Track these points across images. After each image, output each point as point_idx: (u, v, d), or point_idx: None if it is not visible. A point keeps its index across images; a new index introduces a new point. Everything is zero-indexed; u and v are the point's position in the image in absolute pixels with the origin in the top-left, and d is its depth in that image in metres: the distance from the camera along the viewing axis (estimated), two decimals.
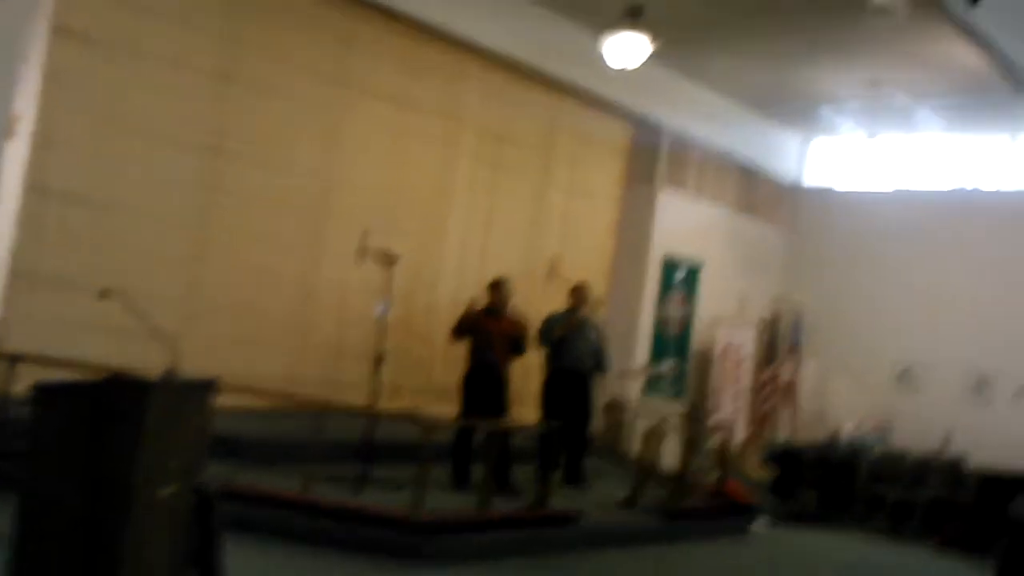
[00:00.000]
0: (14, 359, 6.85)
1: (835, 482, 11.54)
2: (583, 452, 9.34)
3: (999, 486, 10.34)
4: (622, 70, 9.71)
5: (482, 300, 8.51)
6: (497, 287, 8.46)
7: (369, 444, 7.61)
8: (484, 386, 8.32)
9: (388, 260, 7.86)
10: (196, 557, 4.47)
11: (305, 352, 9.45)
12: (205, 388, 4.52)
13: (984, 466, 11.03)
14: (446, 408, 9.43)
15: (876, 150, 13.59)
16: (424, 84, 10.23)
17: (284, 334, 9.27)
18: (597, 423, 10.23)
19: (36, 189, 7.47)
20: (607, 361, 9.41)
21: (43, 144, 7.49)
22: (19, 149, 7.61)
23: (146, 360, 7.05)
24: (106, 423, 3.81)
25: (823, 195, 14.16)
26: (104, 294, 5.32)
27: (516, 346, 8.48)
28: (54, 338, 7.46)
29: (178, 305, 8.19)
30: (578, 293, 9.23)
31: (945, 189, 13.26)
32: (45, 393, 3.95)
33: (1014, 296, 12.33)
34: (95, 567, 3.72)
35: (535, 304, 10.94)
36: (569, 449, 9.04)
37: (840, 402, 13.39)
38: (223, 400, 6.85)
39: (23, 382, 6.51)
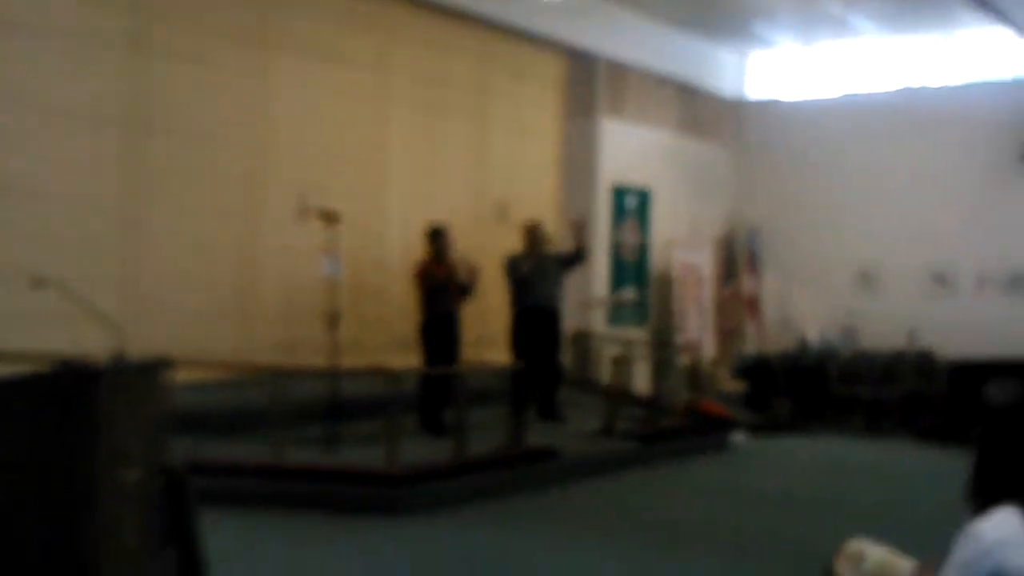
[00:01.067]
0: None
1: (807, 388, 11.78)
2: (556, 387, 9.46)
3: (969, 374, 10.61)
4: (552, 2, 9.64)
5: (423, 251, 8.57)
6: (436, 236, 8.56)
7: (335, 402, 7.62)
8: (443, 333, 8.37)
9: (330, 218, 7.81)
10: (173, 536, 4.45)
11: (254, 320, 9.38)
12: (157, 368, 4.48)
13: (952, 357, 11.29)
14: (408, 360, 9.46)
15: (814, 59, 13.68)
16: (350, 35, 10.06)
17: (231, 304, 9.18)
18: (565, 356, 10.32)
19: None
20: (581, 253, 9.57)
21: None
22: None
23: (90, 346, 6.98)
24: (59, 415, 3.76)
25: (766, 108, 14.21)
26: (37, 283, 5.21)
27: (464, 290, 8.63)
28: None
29: (117, 287, 8.06)
30: (532, 233, 9.31)
31: (886, 91, 13.37)
32: None
33: (964, 188, 12.53)
34: (61, 565, 3.70)
35: (487, 248, 10.96)
36: (541, 385, 9.16)
37: (804, 310, 13.62)
38: (178, 376, 6.85)
39: None
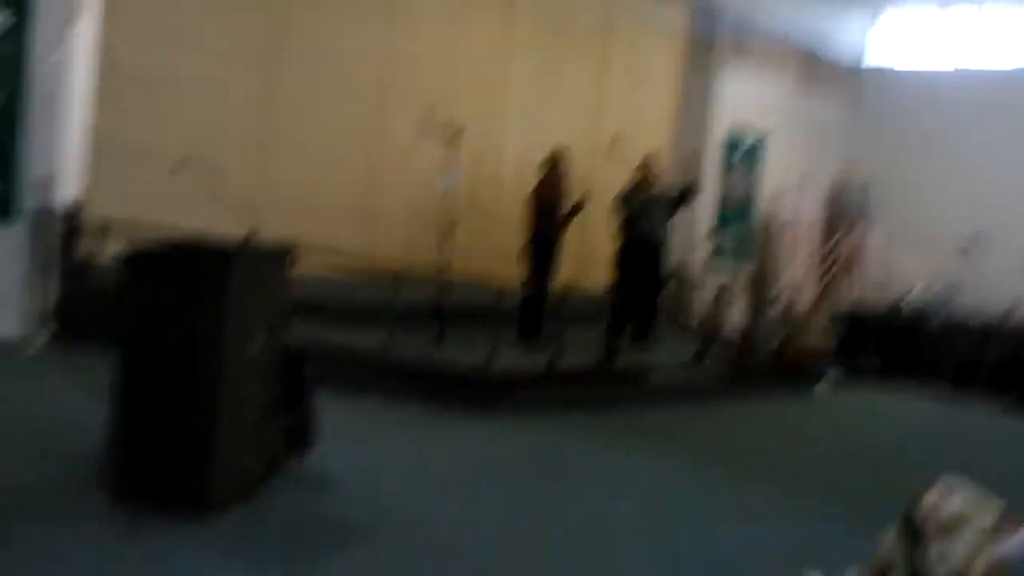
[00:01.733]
0: (103, 227, 7.07)
1: (899, 346, 11.47)
2: (652, 317, 9.42)
3: None
4: None
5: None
6: (554, 161, 8.69)
7: (443, 306, 7.76)
8: (547, 251, 8.54)
9: (453, 133, 7.85)
10: (289, 405, 4.65)
11: (376, 224, 9.57)
12: (285, 253, 4.63)
13: None
14: (514, 272, 9.55)
15: (944, 24, 13.03)
16: None
17: (356, 206, 9.39)
18: (665, 291, 10.26)
19: (107, 67, 7.56)
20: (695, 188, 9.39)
21: (111, 23, 7.54)
22: (88, 29, 7.68)
23: (223, 229, 7.25)
24: (194, 285, 3.95)
25: (884, 74, 13.69)
26: (180, 165, 5.39)
27: (570, 214, 8.73)
28: (134, 210, 7.65)
29: (251, 179, 8.30)
30: (647, 165, 9.19)
31: (1005, 68, 12.74)
32: (137, 258, 4.07)
33: None
34: (192, 415, 3.90)
35: (596, 180, 10.89)
36: (639, 314, 9.14)
37: (905, 270, 13.22)
38: (303, 266, 7.06)
39: (110, 249, 6.75)
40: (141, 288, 4.03)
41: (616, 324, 7.92)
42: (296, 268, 6.69)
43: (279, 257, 4.54)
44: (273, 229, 5.89)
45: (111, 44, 7.55)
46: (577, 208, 8.63)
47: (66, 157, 6.83)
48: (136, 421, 4.00)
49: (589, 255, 11.38)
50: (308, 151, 8.94)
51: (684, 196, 9.17)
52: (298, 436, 4.76)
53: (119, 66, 7.62)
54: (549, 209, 8.50)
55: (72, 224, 7.25)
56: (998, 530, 3.09)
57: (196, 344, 3.92)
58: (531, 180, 8.82)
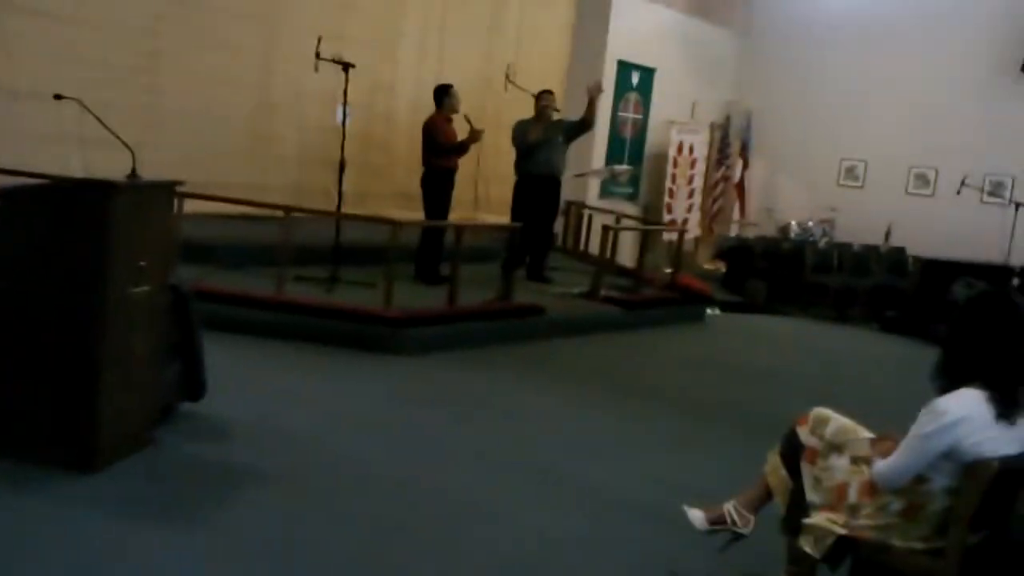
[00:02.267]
0: None
1: (783, 273, 11.78)
2: (547, 251, 9.45)
3: (939, 272, 10.61)
4: None
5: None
6: (443, 93, 8.49)
7: (337, 246, 7.60)
8: (442, 188, 8.38)
9: (344, 67, 7.61)
10: (177, 350, 4.48)
11: (268, 160, 9.28)
12: (168, 189, 4.41)
13: (925, 256, 11.27)
14: (409, 214, 9.40)
15: None
16: None
17: (245, 142, 9.07)
18: (558, 224, 10.27)
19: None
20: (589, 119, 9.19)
21: None
22: None
23: (106, 169, 6.90)
24: (71, 224, 3.72)
25: (774, 3, 13.78)
26: (58, 98, 5.06)
27: (462, 148, 8.58)
28: (8, 149, 7.22)
29: (137, 115, 7.92)
30: (543, 99, 9.10)
31: None
32: (9, 197, 3.84)
33: (960, 94, 12.27)
34: (73, 364, 3.72)
35: (493, 111, 10.76)
36: (534, 248, 9.14)
37: (788, 199, 13.54)
38: (189, 207, 6.81)
39: None
40: (18, 227, 3.78)
41: (512, 259, 7.89)
42: (184, 207, 6.48)
43: (164, 193, 4.32)
44: (159, 168, 5.64)
45: None
46: (468, 141, 8.50)
47: None
48: (16, 370, 3.79)
49: (485, 189, 11.30)
50: (195, 87, 8.56)
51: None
52: (188, 382, 4.60)
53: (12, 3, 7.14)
54: (442, 144, 8.36)
55: None
56: (872, 450, 3.19)
57: (76, 285, 3.70)
58: (426, 116, 8.65)
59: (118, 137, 4.53)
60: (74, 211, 3.72)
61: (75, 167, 7.60)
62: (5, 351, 3.78)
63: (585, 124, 9.02)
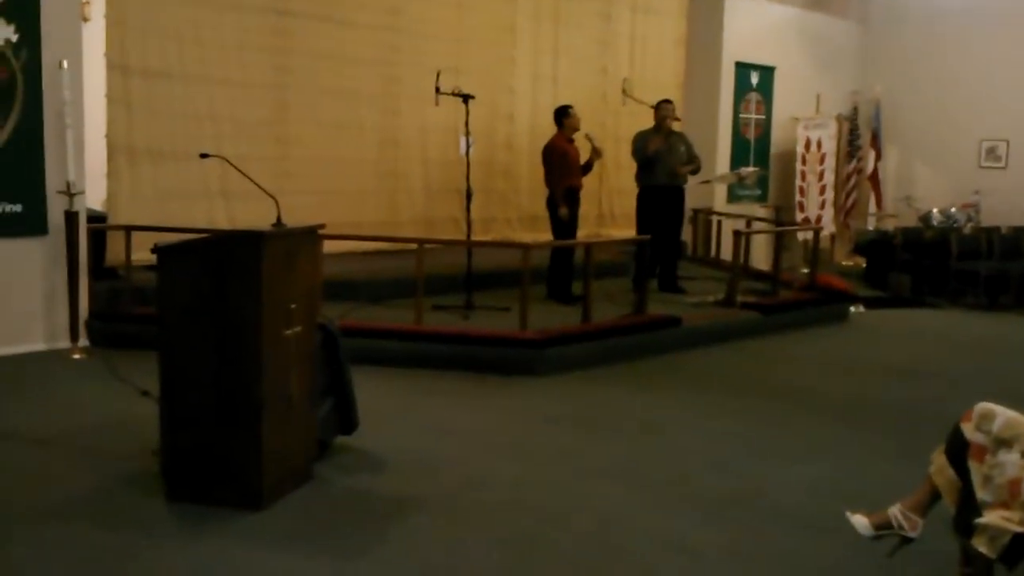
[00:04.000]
0: (129, 228, 7.10)
1: (928, 264, 11.33)
2: (676, 260, 9.38)
3: None
4: None
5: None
6: (563, 114, 8.52)
7: (470, 272, 7.75)
8: (569, 208, 8.37)
9: (463, 98, 7.77)
10: (329, 387, 4.66)
11: (396, 196, 9.55)
12: (312, 233, 4.61)
13: None
14: (536, 235, 9.50)
15: None
16: None
17: (375, 180, 9.36)
18: (686, 232, 10.18)
19: (117, 67, 7.53)
20: (699, 161, 9.32)
21: (116, 22, 7.50)
22: (96, 30, 7.66)
23: (249, 219, 7.26)
24: (227, 274, 3.93)
25: None
26: (204, 156, 5.37)
27: (587, 168, 8.60)
28: (158, 207, 7.68)
29: (269, 165, 8.29)
30: (662, 109, 9.07)
31: None
32: (167, 253, 4.07)
33: None
34: (236, 407, 3.92)
35: (612, 126, 10.78)
36: (663, 259, 9.10)
37: (926, 186, 13.03)
38: (328, 247, 7.07)
39: (138, 251, 6.78)
40: (173, 282, 4.02)
41: (642, 272, 7.86)
42: (323, 248, 6.73)
43: (306, 238, 4.51)
44: (296, 213, 5.89)
45: (118, 44, 7.53)
46: (591, 160, 8.55)
47: (86, 163, 6.83)
48: (182, 419, 4.00)
49: (609, 205, 11.32)
50: (322, 132, 8.89)
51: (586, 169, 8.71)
52: (341, 417, 4.77)
53: (128, 66, 7.60)
54: (565, 165, 8.40)
55: (99, 229, 7.30)
56: None
57: (235, 330, 3.92)
58: (544, 140, 8.72)
59: (261, 188, 4.76)
60: (229, 262, 3.93)
61: (221, 220, 8.02)
62: (175, 398, 4.01)
63: (587, 168, 8.68)
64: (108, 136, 7.54)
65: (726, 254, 9.89)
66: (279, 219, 4.42)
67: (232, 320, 3.92)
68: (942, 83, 12.77)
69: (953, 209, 12.19)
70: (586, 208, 9.13)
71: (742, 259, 9.02)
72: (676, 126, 9.22)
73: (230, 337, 3.93)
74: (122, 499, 4.06)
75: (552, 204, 8.41)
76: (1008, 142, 12.48)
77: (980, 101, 12.50)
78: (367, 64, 9.18)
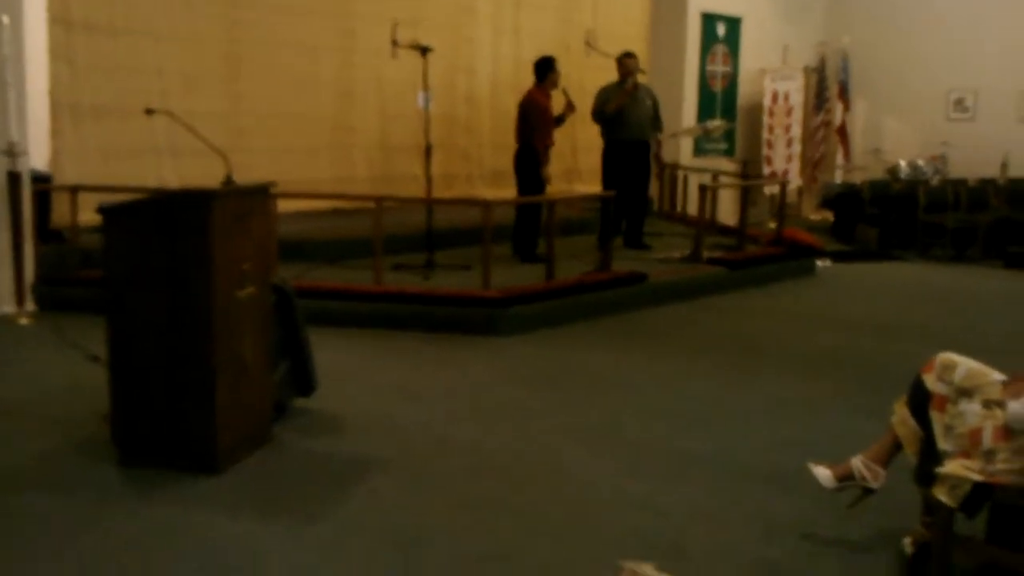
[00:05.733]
0: (74, 189, 6.98)
1: (895, 217, 11.45)
2: (643, 217, 9.39)
3: None
4: None
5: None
6: (548, 67, 8.36)
7: (431, 231, 7.72)
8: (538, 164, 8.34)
9: (421, 50, 7.68)
10: (285, 349, 4.64)
11: (352, 151, 9.46)
12: (263, 191, 4.56)
13: None
14: (500, 192, 9.47)
15: None
16: None
17: (330, 136, 9.26)
18: (653, 187, 10.19)
19: (59, 22, 7.36)
20: (661, 122, 9.33)
21: None
22: None
23: (199, 177, 7.16)
24: (175, 235, 3.88)
25: None
26: (149, 112, 5.28)
27: (559, 122, 8.53)
28: (105, 166, 7.56)
29: (222, 121, 8.19)
30: (626, 63, 9.00)
31: None
32: (112, 214, 4.00)
33: None
34: (188, 371, 3.89)
35: (576, 79, 10.72)
36: (629, 215, 9.10)
37: (894, 139, 13.13)
38: (282, 206, 7.01)
39: (84, 212, 6.68)
40: (120, 244, 3.96)
41: (607, 228, 7.87)
42: (276, 207, 6.67)
43: (257, 196, 4.46)
44: (249, 171, 5.82)
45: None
46: (564, 114, 8.47)
47: (29, 122, 6.69)
48: (133, 382, 3.97)
49: (574, 160, 11.30)
50: (275, 87, 8.78)
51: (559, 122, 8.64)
52: (298, 379, 4.76)
53: (70, 21, 7.43)
54: (546, 122, 8.30)
55: (44, 190, 7.17)
56: (1004, 392, 3.10)
57: (185, 293, 3.87)
58: (508, 93, 8.66)
59: (210, 145, 4.69)
60: (176, 222, 3.88)
61: (170, 178, 7.92)
62: (124, 363, 3.98)
63: (560, 121, 8.60)
64: (51, 94, 7.38)
65: (692, 209, 9.93)
66: (229, 177, 4.37)
67: (182, 282, 3.88)
68: (910, 34, 12.83)
69: (920, 161, 12.30)
70: (554, 165, 9.10)
71: (708, 214, 9.06)
72: (641, 78, 9.17)
73: (180, 299, 3.89)
74: (74, 465, 4.04)
75: (522, 161, 8.30)
76: (976, 92, 12.59)
77: (948, 51, 12.57)
78: (321, 16, 9.05)
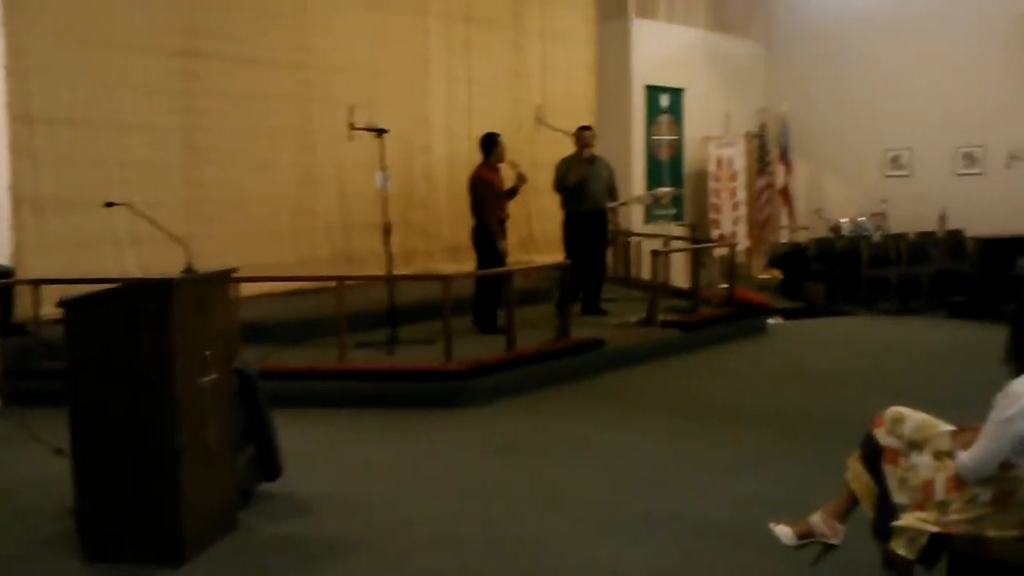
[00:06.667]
0: (37, 283, 6.89)
1: (840, 273, 11.62)
2: (600, 284, 9.45)
3: (1000, 250, 10.37)
4: None
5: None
6: (491, 143, 8.47)
7: (393, 307, 7.69)
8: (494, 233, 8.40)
9: (378, 133, 7.74)
10: (249, 433, 4.56)
11: (313, 233, 9.44)
12: (224, 277, 4.53)
13: (983, 235, 11.05)
14: (459, 266, 9.49)
15: None
16: None
17: (290, 220, 9.24)
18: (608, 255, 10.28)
19: (19, 118, 7.32)
20: (618, 192, 9.49)
21: (15, 72, 7.30)
22: None
23: (161, 265, 7.10)
24: (137, 324, 3.83)
25: (792, 6, 13.78)
26: (109, 205, 5.26)
27: (511, 195, 8.60)
28: (67, 258, 7.47)
29: (184, 209, 8.15)
30: (583, 135, 9.16)
31: None
32: (73, 306, 3.95)
33: (989, 69, 12.07)
34: (152, 460, 3.81)
35: (528, 153, 10.85)
36: (587, 282, 9.16)
37: (836, 198, 13.40)
38: (245, 290, 6.97)
39: (47, 305, 6.58)
40: (82, 335, 3.90)
41: (565, 296, 7.90)
42: (237, 292, 6.63)
43: (218, 282, 4.42)
44: (211, 256, 5.80)
45: (20, 93, 7.33)
46: (516, 187, 8.55)
47: None
48: (97, 473, 3.88)
49: (529, 230, 11.37)
50: (235, 173, 8.75)
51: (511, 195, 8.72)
52: (263, 463, 4.68)
53: (30, 115, 7.40)
54: (494, 195, 8.38)
55: (6, 284, 7.07)
56: (954, 443, 3.13)
57: (147, 382, 3.81)
58: (463, 170, 8.73)
59: (170, 234, 4.68)
60: (137, 312, 3.84)
61: (132, 268, 7.84)
62: (88, 455, 3.88)
63: (512, 193, 8.67)
64: (12, 188, 7.31)
65: (646, 274, 10.01)
66: (190, 265, 4.34)
67: (144, 371, 3.82)
68: (845, 96, 13.18)
69: (862, 218, 12.54)
70: (510, 235, 9.14)
71: (661, 278, 9.14)
72: (593, 151, 9.31)
73: (143, 388, 3.82)
74: (39, 562, 3.91)
75: (479, 235, 8.34)
76: (911, 150, 12.91)
77: (882, 111, 12.92)
78: (278, 102, 9.09)
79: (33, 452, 5.30)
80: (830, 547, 3.42)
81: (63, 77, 7.58)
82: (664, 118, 12.36)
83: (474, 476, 5.07)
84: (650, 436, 5.81)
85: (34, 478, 4.95)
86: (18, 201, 7.34)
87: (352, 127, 7.77)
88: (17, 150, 7.33)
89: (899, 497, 3.17)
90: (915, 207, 12.30)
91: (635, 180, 11.76)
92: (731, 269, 9.92)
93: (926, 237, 11.96)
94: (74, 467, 3.92)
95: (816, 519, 3.43)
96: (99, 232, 7.68)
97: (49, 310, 6.42)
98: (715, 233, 12.42)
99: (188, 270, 4.43)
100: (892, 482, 3.22)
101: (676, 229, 11.99)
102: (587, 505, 4.58)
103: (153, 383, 3.82)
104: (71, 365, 3.93)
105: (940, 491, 3.06)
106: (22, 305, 7.14)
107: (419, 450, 5.59)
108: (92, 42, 7.74)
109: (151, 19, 8.14)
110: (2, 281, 6.97)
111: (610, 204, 9.41)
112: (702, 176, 12.69)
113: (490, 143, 8.45)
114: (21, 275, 7.28)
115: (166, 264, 6.73)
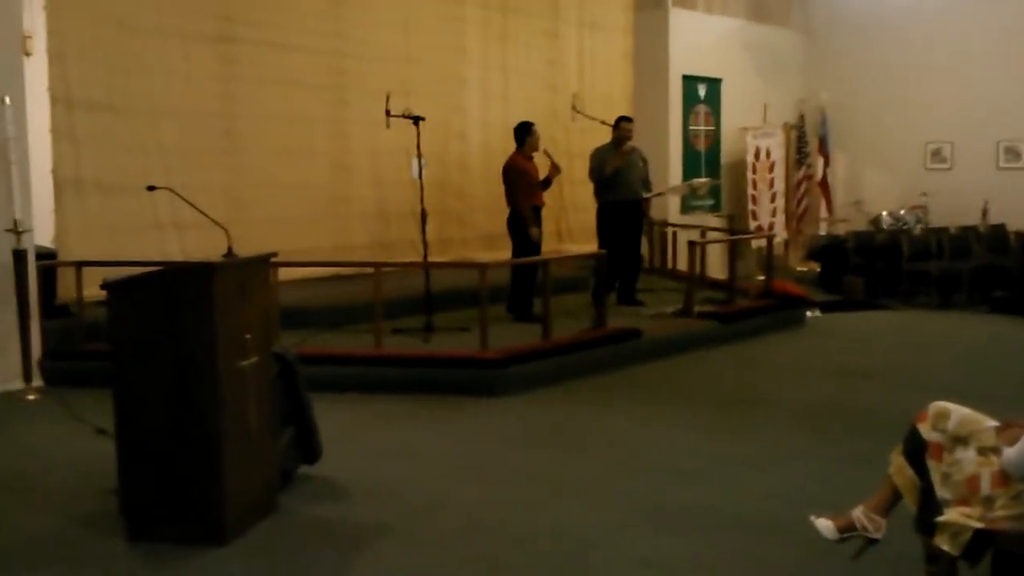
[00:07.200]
0: (79, 265, 6.99)
1: (880, 266, 11.51)
2: (636, 274, 9.42)
3: None
4: None
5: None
6: (526, 132, 8.44)
7: (429, 294, 7.72)
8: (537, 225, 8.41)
9: (413, 120, 7.76)
10: (289, 417, 4.61)
11: (349, 220, 9.49)
12: (264, 262, 4.57)
13: None
14: (494, 254, 9.51)
15: None
16: None
17: (326, 206, 9.30)
18: (643, 244, 10.24)
19: (61, 101, 7.42)
20: (651, 183, 9.45)
21: (58, 57, 7.39)
22: (38, 65, 7.55)
23: (203, 250, 7.18)
24: (179, 308, 3.88)
25: None
26: (151, 189, 5.32)
27: (546, 184, 8.57)
28: (109, 241, 7.56)
29: (222, 194, 8.22)
30: (623, 127, 9.11)
31: None
32: (116, 289, 4.01)
33: None
34: (194, 442, 3.86)
35: (563, 142, 10.84)
36: (623, 273, 9.13)
37: (875, 190, 13.26)
38: (284, 274, 7.03)
39: (89, 287, 6.68)
40: (124, 317, 3.95)
41: (602, 285, 7.89)
42: (277, 276, 6.69)
43: (258, 267, 4.47)
44: (249, 242, 5.84)
45: (61, 78, 7.42)
46: (551, 176, 8.53)
47: (33, 199, 6.72)
48: (140, 454, 3.94)
49: (566, 220, 11.37)
50: (272, 159, 8.83)
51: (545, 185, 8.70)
52: (303, 447, 4.72)
53: (71, 100, 7.49)
54: (528, 183, 8.37)
55: (49, 266, 7.18)
56: (999, 438, 3.09)
57: (189, 364, 3.86)
58: (499, 158, 8.73)
59: (210, 218, 4.72)
60: (181, 295, 3.88)
61: (173, 251, 7.94)
62: (131, 435, 3.94)
63: (546, 183, 8.63)
64: (54, 171, 7.41)
65: (682, 265, 9.96)
66: (230, 249, 4.38)
67: (186, 353, 3.87)
68: (885, 87, 13.02)
69: (902, 211, 12.41)
70: (545, 225, 9.14)
71: (698, 269, 9.10)
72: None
73: (185, 371, 3.87)
74: (82, 541, 3.98)
75: (514, 223, 8.36)
76: (952, 143, 12.74)
77: (923, 103, 12.76)
78: (315, 89, 9.15)
79: (76, 433, 5.40)
80: (872, 541, 3.39)
81: (103, 62, 7.67)
82: (701, 108, 12.28)
83: (507, 464, 5.09)
84: (685, 427, 5.79)
85: (76, 458, 5.03)
86: (60, 184, 7.44)
87: (388, 114, 7.79)
88: (59, 133, 7.42)
89: (943, 492, 3.14)
90: (956, 200, 12.15)
91: (672, 170, 11.70)
92: (769, 261, 9.85)
93: (968, 231, 11.81)
94: (117, 448, 3.98)
95: (858, 512, 3.40)
96: (141, 216, 7.78)
97: (91, 292, 6.52)
98: (752, 224, 12.34)
99: (229, 254, 4.47)
100: (936, 477, 3.19)
101: (713, 220, 11.93)
102: (619, 496, 4.57)
103: (195, 365, 3.86)
104: (114, 347, 3.99)
105: (986, 487, 3.02)
106: (64, 287, 7.26)
107: (453, 437, 5.61)
108: (131, 28, 7.83)
109: (189, 5, 8.21)
110: (45, 263, 7.07)
111: (645, 195, 9.37)
112: (740, 167, 12.60)
113: (524, 132, 8.44)
114: (63, 257, 7.39)
115: (206, 248, 6.81)
